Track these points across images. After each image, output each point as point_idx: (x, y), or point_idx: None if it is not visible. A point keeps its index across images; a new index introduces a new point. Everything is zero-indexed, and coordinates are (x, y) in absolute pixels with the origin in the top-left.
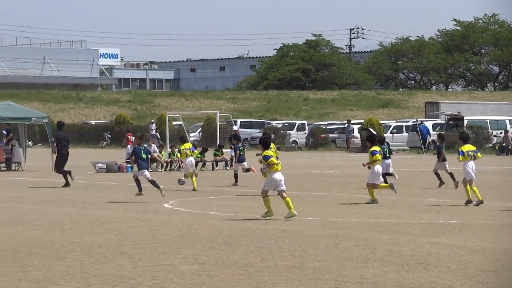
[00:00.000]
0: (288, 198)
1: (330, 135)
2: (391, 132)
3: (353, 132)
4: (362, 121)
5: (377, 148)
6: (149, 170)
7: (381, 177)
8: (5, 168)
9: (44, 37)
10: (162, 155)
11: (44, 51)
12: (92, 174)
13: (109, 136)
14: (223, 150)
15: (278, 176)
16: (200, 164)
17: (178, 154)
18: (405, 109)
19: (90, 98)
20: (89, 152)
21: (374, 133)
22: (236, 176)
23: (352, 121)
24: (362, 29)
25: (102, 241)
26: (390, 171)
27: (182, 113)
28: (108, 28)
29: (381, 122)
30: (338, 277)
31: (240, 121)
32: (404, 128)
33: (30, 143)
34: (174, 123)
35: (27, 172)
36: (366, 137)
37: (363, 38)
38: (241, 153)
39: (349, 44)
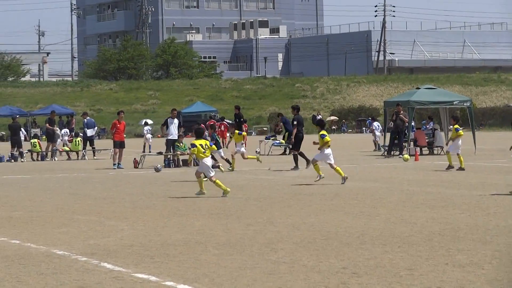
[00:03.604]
0: (217, 181)
1: None
2: None
3: None
4: None
5: (325, 132)
6: None
7: (331, 158)
8: (427, 152)
9: (464, 20)
10: None
11: (464, 34)
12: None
13: None
14: None
15: (208, 162)
16: None
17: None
18: None
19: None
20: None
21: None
22: None
23: None
24: None
25: None
26: None
27: None
28: None
29: None
30: None
31: None
32: None
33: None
34: None
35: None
36: (316, 123)
37: None
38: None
39: None
